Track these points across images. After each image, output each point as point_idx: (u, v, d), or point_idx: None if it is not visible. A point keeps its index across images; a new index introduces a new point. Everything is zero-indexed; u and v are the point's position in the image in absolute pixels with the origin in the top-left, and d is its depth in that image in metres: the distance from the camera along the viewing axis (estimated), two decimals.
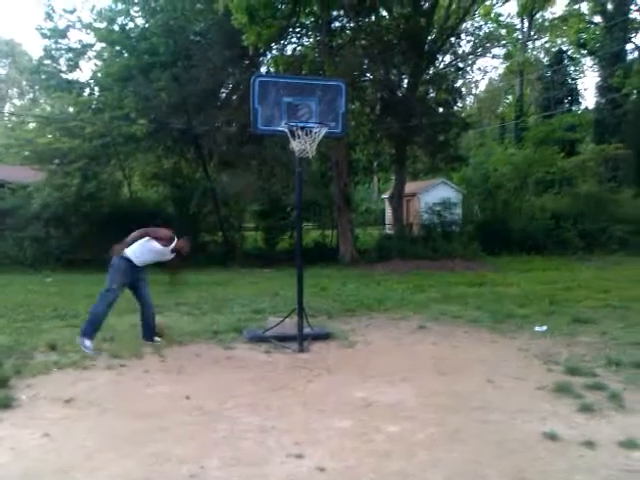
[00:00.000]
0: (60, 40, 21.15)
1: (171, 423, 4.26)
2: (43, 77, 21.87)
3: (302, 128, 6.73)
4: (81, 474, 3.43)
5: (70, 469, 3.49)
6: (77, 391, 5.01)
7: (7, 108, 53.77)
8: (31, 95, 50.66)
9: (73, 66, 21.47)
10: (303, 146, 6.72)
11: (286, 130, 6.77)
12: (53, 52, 21.26)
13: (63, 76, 21.43)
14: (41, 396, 4.88)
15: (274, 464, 3.57)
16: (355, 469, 3.50)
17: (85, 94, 21.32)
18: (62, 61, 21.46)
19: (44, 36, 20.93)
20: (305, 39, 20.58)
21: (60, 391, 4.99)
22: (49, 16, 20.89)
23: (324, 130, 6.84)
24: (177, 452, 3.74)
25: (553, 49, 37.09)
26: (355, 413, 4.47)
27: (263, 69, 20.76)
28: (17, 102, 55.91)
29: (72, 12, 20.92)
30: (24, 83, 51.46)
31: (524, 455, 3.67)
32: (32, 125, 23.34)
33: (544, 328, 7.46)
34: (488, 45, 25.48)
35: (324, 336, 7.16)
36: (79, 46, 21.24)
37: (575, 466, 3.50)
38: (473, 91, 45.28)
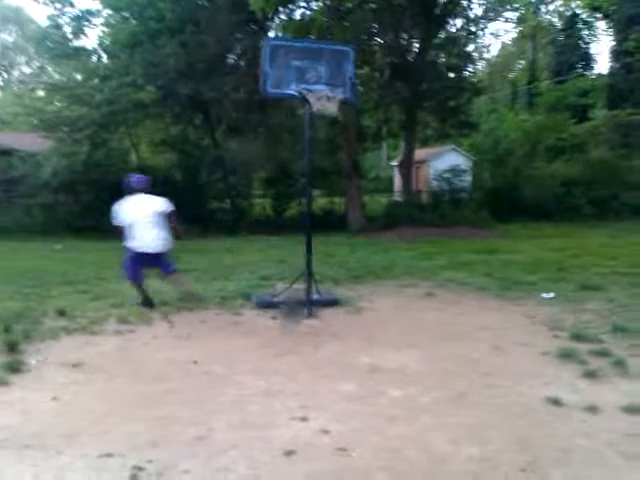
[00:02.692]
0: (65, 7, 20.88)
1: (179, 387, 4.32)
2: (49, 45, 21.66)
3: (312, 92, 6.70)
4: (89, 437, 3.48)
5: (78, 432, 3.54)
6: (86, 356, 5.07)
7: (15, 75, 53.56)
8: (39, 63, 50.34)
9: (78, 33, 21.21)
10: (322, 106, 6.71)
11: (295, 93, 6.75)
12: (58, 19, 21.00)
13: (69, 44, 21.20)
14: (50, 361, 4.94)
15: (280, 427, 3.62)
16: (359, 432, 3.54)
17: (93, 61, 21.15)
18: (68, 29, 21.22)
19: (45, 4, 20.67)
20: (313, 3, 20.22)
21: (69, 356, 5.05)
22: None
23: (339, 91, 6.81)
24: (185, 415, 3.80)
25: (567, 13, 36.28)
26: (361, 378, 4.50)
27: (271, 34, 20.48)
28: (25, 69, 55.59)
29: None
30: (31, 50, 51.10)
31: (528, 419, 3.70)
32: (40, 92, 23.24)
33: (551, 295, 7.45)
34: (500, 8, 24.91)
35: (332, 302, 7.18)
36: (80, 13, 20.96)
37: (578, 430, 3.53)
38: (484, 56, 44.52)
